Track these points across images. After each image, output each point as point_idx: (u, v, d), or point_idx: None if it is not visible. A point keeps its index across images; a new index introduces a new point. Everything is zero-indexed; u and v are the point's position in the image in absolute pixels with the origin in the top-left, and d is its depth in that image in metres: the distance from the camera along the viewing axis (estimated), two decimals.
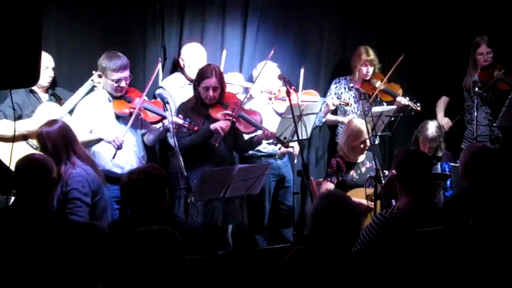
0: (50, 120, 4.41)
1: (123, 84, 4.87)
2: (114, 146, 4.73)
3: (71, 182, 4.09)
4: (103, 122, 4.89)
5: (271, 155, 5.60)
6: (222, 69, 5.49)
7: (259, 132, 5.08)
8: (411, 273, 3.30)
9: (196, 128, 4.81)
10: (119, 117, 4.92)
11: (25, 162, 3.60)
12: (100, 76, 4.91)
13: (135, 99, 4.88)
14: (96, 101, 4.94)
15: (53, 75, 5.06)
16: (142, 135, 5.08)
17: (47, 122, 4.36)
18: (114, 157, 4.73)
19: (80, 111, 4.92)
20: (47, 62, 4.93)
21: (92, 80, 4.99)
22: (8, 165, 3.99)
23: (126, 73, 4.88)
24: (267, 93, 5.58)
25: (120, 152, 4.78)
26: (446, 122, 6.39)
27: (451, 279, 3.04)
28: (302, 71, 5.93)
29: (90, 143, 4.84)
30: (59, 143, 4.18)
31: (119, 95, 4.90)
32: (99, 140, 4.82)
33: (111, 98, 4.93)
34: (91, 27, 5.49)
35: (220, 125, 4.86)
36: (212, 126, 4.87)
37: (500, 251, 2.98)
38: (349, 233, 2.94)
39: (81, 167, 4.18)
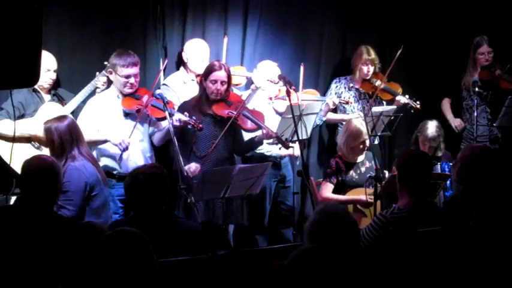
0: (59, 116, 4.48)
1: (132, 80, 4.90)
2: (120, 149, 4.77)
3: (67, 174, 4.16)
4: (111, 119, 4.92)
5: (271, 155, 5.59)
6: None
7: (260, 132, 5.08)
8: (411, 273, 3.30)
9: (201, 126, 4.81)
10: (127, 115, 4.95)
11: (32, 163, 3.62)
12: (110, 72, 4.94)
13: (144, 97, 4.90)
14: (105, 99, 4.98)
15: (54, 77, 5.05)
16: (151, 135, 5.09)
17: (56, 117, 4.43)
18: (120, 159, 4.80)
19: (88, 108, 4.95)
20: (49, 65, 4.95)
21: (96, 82, 5.01)
22: (8, 162, 4.02)
23: (136, 70, 4.92)
24: (270, 84, 5.57)
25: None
26: (459, 123, 6.38)
27: (451, 279, 3.03)
28: (302, 67, 5.93)
29: (96, 143, 4.87)
30: (66, 137, 4.27)
31: (129, 92, 4.92)
32: (105, 141, 4.85)
33: (120, 96, 4.96)
34: (91, 27, 5.49)
35: (191, 169, 4.82)
36: (186, 166, 4.75)
37: (502, 251, 2.98)
38: (346, 248, 2.92)
39: (81, 162, 4.25)
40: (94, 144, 4.87)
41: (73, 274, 2.70)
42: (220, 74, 4.95)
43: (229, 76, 5.01)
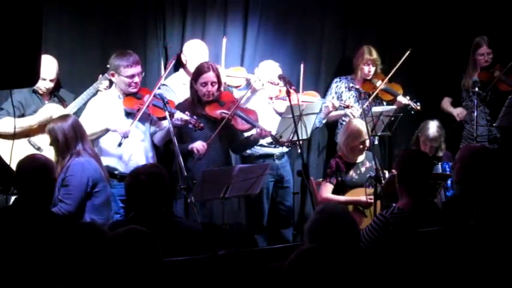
0: (62, 115, 4.50)
1: (136, 79, 4.91)
2: (119, 134, 4.76)
3: (71, 168, 4.24)
4: (112, 119, 4.91)
5: (269, 155, 5.59)
6: (223, 68, 5.52)
7: (254, 131, 5.08)
8: (411, 273, 3.30)
9: (202, 125, 4.82)
10: (128, 114, 4.95)
11: (27, 163, 3.62)
12: (113, 75, 4.92)
13: (145, 96, 4.91)
14: (106, 99, 4.98)
15: (49, 86, 4.96)
16: (152, 135, 5.09)
17: (59, 116, 4.46)
18: (120, 145, 4.77)
19: (90, 108, 4.95)
20: (44, 74, 4.74)
21: (98, 85, 5.01)
22: (8, 163, 4.02)
23: (139, 68, 4.93)
24: (270, 85, 5.57)
25: (126, 149, 4.83)
26: (461, 111, 6.33)
27: (451, 279, 3.03)
28: (302, 66, 5.92)
29: (96, 135, 4.86)
30: (70, 135, 4.32)
31: (133, 92, 4.93)
32: (105, 131, 4.84)
33: (121, 96, 4.97)
34: (91, 28, 5.49)
35: (197, 146, 4.86)
36: (190, 146, 4.87)
37: (502, 251, 2.98)
38: (346, 248, 2.92)
39: (85, 157, 4.31)
40: (94, 136, 4.83)
41: (75, 273, 2.70)
42: (210, 75, 4.96)
43: (218, 76, 5.02)
